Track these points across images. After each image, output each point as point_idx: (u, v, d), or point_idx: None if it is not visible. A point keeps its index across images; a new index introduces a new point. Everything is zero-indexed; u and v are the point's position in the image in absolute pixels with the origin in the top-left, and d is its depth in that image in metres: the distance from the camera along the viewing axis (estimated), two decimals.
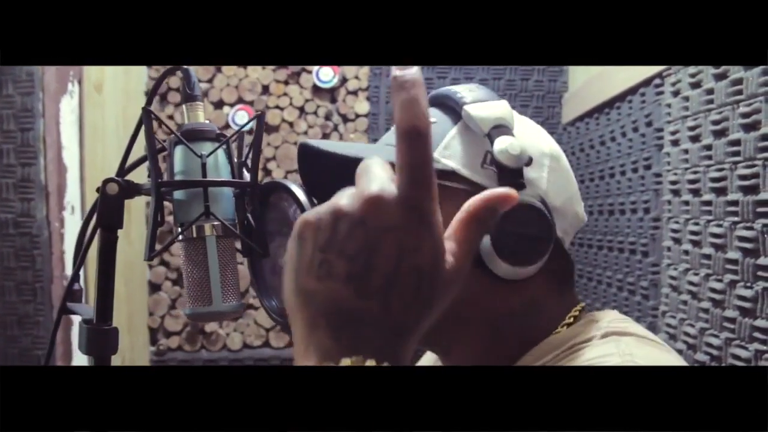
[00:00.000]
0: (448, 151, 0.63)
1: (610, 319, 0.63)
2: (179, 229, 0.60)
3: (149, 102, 0.63)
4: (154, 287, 2.28)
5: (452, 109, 0.65)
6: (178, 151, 0.61)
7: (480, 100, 0.63)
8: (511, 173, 0.60)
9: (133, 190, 0.61)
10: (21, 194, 1.57)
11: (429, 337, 0.64)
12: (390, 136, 0.68)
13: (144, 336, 2.23)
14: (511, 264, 0.58)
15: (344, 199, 0.39)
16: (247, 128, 0.64)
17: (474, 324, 0.65)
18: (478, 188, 0.60)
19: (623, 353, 0.55)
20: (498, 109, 0.62)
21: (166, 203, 0.62)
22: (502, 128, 0.61)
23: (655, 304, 1.42)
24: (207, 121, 0.64)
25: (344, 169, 0.53)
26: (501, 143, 0.60)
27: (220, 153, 0.62)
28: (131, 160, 0.64)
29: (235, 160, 0.64)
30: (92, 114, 1.78)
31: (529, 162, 0.60)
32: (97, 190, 0.61)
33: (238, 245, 0.64)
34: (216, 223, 0.60)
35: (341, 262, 0.38)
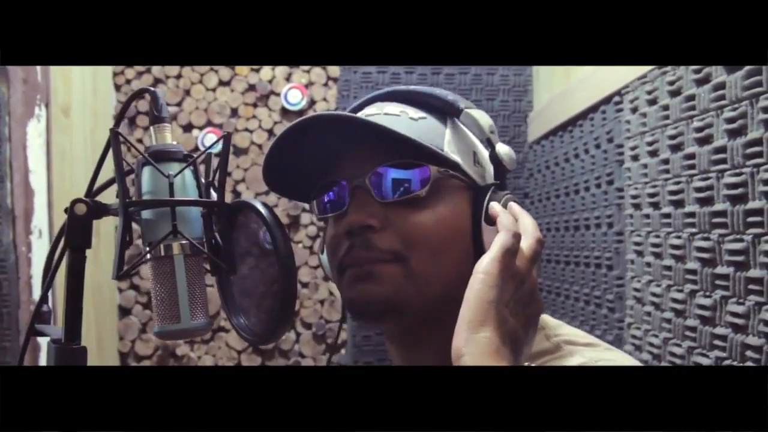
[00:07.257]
0: (452, 146, 0.66)
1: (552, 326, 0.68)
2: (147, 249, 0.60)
3: (117, 124, 0.64)
4: (124, 311, 2.25)
5: (439, 109, 0.68)
6: (146, 172, 0.62)
7: (472, 106, 0.68)
8: (505, 174, 0.68)
9: (101, 210, 0.62)
10: None
11: (421, 319, 0.66)
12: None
13: (114, 360, 2.20)
14: None
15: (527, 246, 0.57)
16: (215, 150, 0.65)
17: (457, 305, 0.69)
18: (474, 183, 0.66)
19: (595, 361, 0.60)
20: (488, 116, 0.68)
21: (134, 225, 0.63)
22: (495, 134, 0.68)
23: (620, 316, 1.45)
24: (174, 143, 0.65)
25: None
26: (503, 148, 0.67)
27: (188, 173, 0.63)
28: (100, 182, 0.64)
29: (203, 180, 0.65)
30: (60, 137, 1.77)
31: None
32: (65, 210, 0.61)
33: (207, 265, 0.65)
34: (184, 242, 0.60)
35: (520, 307, 0.55)
